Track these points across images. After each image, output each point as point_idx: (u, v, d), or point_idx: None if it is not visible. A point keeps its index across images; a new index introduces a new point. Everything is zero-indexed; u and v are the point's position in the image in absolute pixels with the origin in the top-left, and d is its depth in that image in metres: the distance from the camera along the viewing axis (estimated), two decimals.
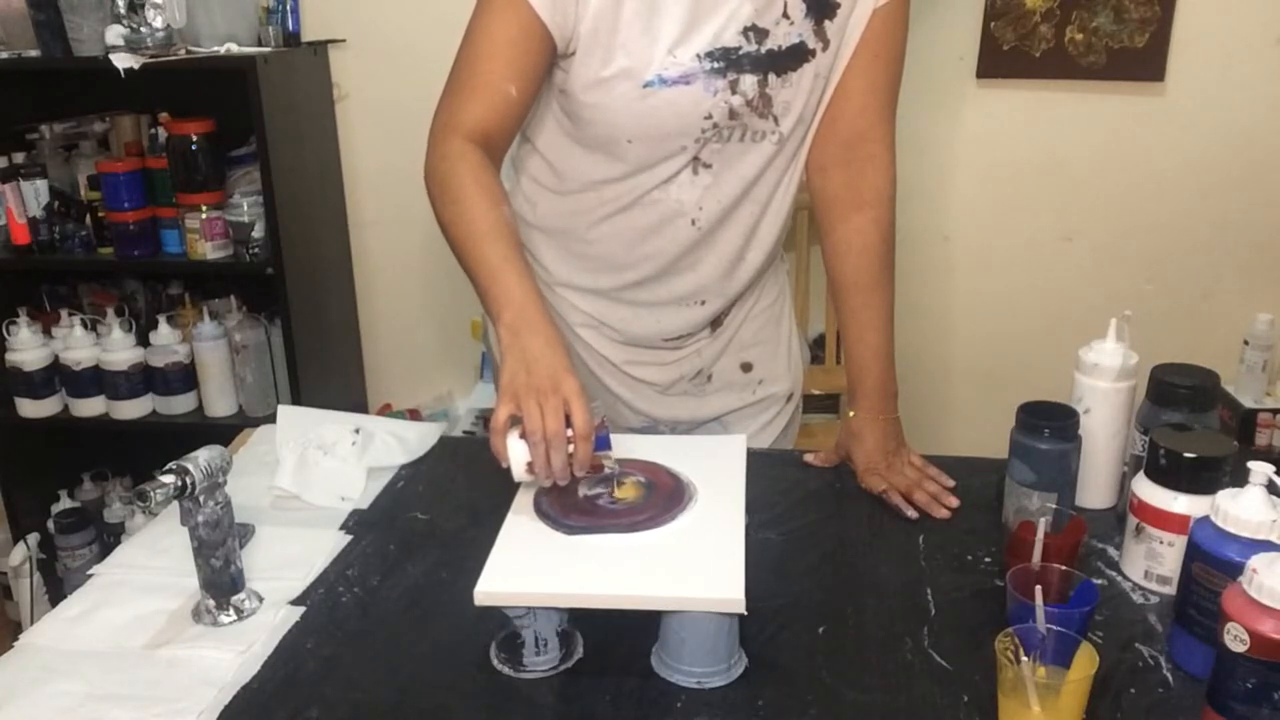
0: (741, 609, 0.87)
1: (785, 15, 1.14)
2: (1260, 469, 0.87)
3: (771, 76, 1.15)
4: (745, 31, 1.13)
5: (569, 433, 0.97)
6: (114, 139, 2.35)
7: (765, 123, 1.18)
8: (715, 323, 1.34)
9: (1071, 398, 1.14)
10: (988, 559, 1.08)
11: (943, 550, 1.10)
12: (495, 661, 0.93)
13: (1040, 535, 0.94)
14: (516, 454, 0.98)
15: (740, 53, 1.13)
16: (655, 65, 1.11)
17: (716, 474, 1.07)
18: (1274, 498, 0.87)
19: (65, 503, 2.47)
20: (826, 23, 1.16)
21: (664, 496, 1.03)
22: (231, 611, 0.99)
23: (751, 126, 1.18)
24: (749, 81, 1.14)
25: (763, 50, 1.14)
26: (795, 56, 1.16)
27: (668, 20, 1.10)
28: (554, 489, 1.02)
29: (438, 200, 1.12)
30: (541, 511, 1.01)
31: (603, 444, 1.01)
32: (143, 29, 2.06)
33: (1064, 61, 2.26)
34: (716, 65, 1.12)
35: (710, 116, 1.14)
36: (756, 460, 1.13)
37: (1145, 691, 0.88)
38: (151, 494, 0.92)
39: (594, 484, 1.04)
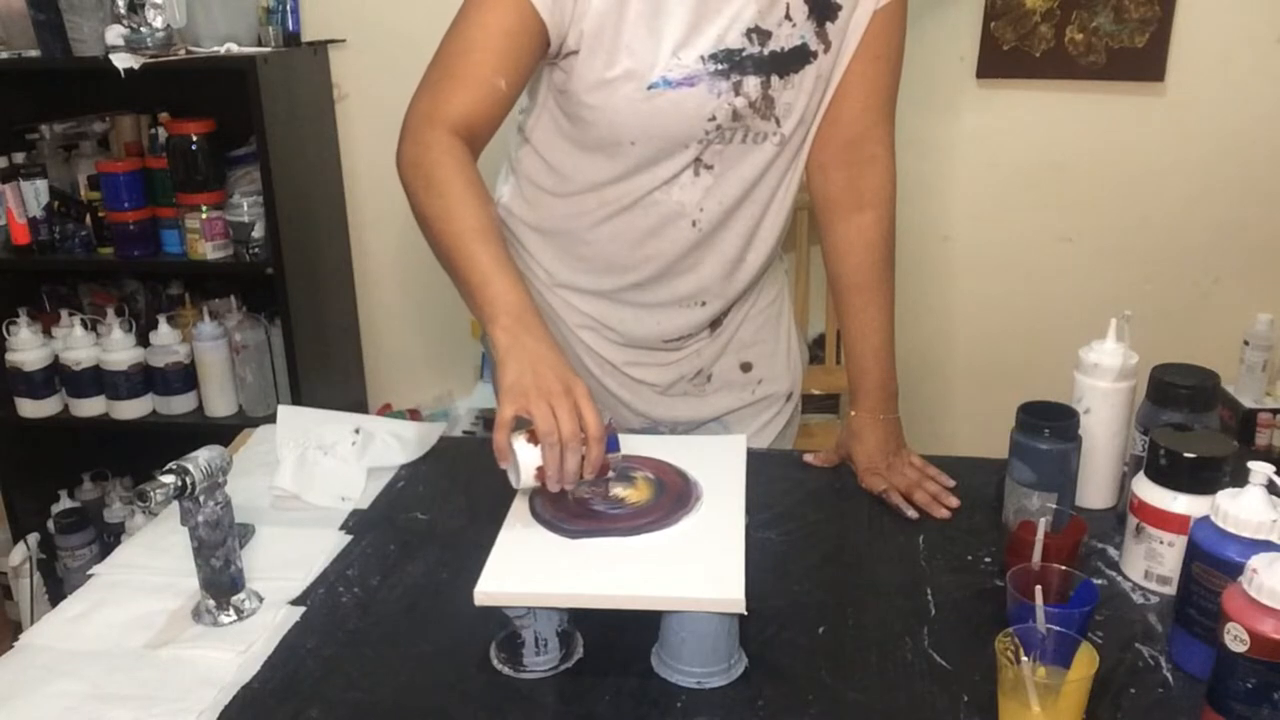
0: (741, 609, 0.87)
1: (788, 17, 1.14)
2: (1260, 469, 0.88)
3: (774, 78, 1.15)
4: (748, 33, 1.12)
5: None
6: (114, 139, 2.35)
7: (767, 124, 1.18)
8: (715, 323, 1.34)
9: (1071, 398, 1.14)
10: (988, 559, 1.08)
11: (943, 550, 1.10)
12: (495, 661, 0.93)
13: (1040, 535, 0.94)
14: (526, 458, 0.96)
15: (744, 54, 1.13)
16: (660, 67, 1.11)
17: (717, 474, 1.07)
18: (1274, 498, 0.87)
19: (65, 503, 2.47)
20: (828, 24, 1.16)
21: (672, 498, 1.02)
22: (231, 611, 0.99)
23: (754, 128, 1.18)
24: (752, 83, 1.14)
25: (765, 52, 1.14)
26: (797, 58, 1.16)
27: (672, 21, 1.10)
28: (549, 492, 1.02)
29: (420, 192, 1.09)
30: (539, 515, 1.00)
31: (612, 445, 1.00)
32: (143, 29, 2.06)
33: (1064, 61, 2.26)
34: (720, 67, 1.12)
35: (714, 118, 1.14)
36: (756, 460, 1.13)
37: (1145, 691, 0.88)
38: (151, 494, 0.92)
39: (585, 485, 1.04)
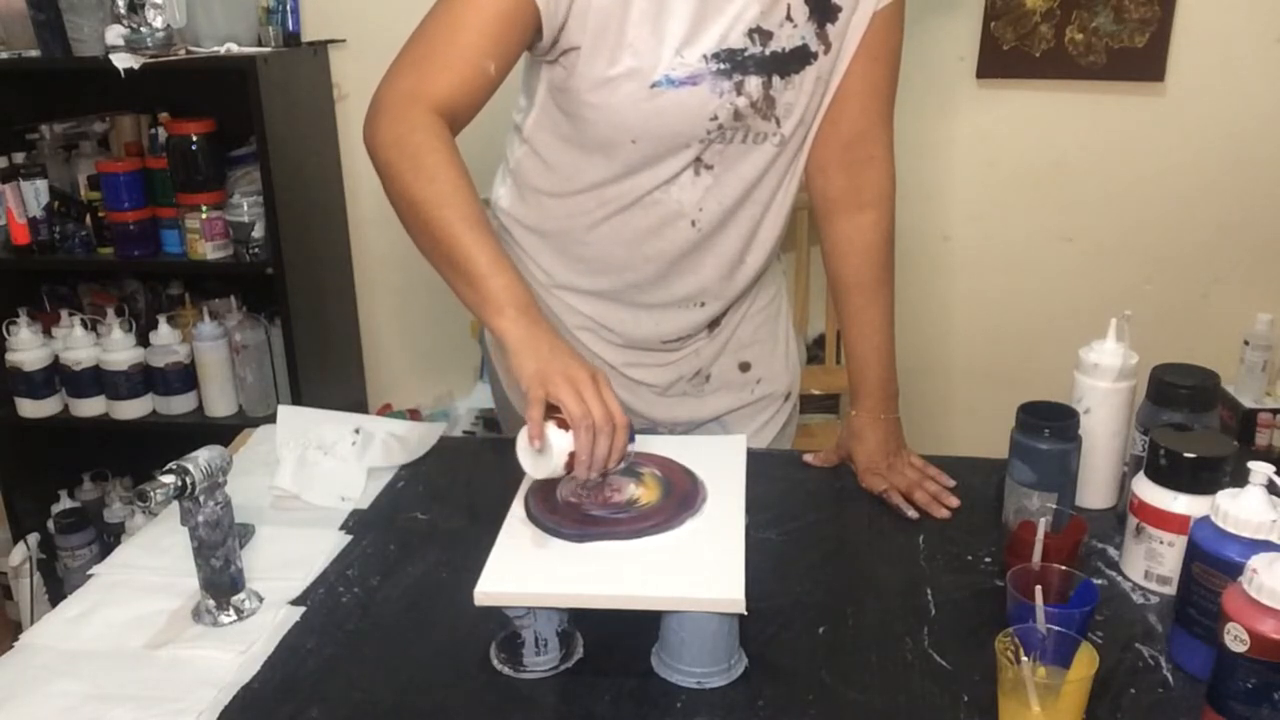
0: (741, 609, 0.87)
1: (789, 18, 1.14)
2: (1260, 469, 0.88)
3: (775, 78, 1.15)
4: (750, 33, 1.12)
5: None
6: (114, 139, 2.35)
7: (768, 124, 1.18)
8: (713, 323, 1.34)
9: (1071, 398, 1.14)
10: (988, 559, 1.08)
11: (943, 550, 1.10)
12: (495, 661, 0.93)
13: (1040, 535, 0.94)
14: (559, 444, 0.96)
15: (745, 54, 1.13)
16: (663, 66, 1.10)
17: (717, 474, 1.07)
18: (1274, 498, 0.87)
19: (65, 503, 2.47)
20: (829, 25, 1.16)
21: (678, 499, 1.02)
22: (231, 611, 0.99)
23: (754, 128, 1.18)
24: (754, 83, 1.14)
25: (767, 52, 1.14)
26: (798, 59, 1.16)
27: (675, 20, 1.10)
28: (542, 497, 1.02)
29: (406, 174, 1.05)
30: (539, 522, 0.99)
31: (630, 437, 1.01)
32: (143, 29, 2.06)
33: (1064, 61, 2.26)
34: (723, 66, 1.12)
35: (716, 118, 1.14)
36: (756, 460, 1.13)
37: (1145, 691, 0.88)
38: (151, 494, 0.92)
39: (588, 489, 1.04)
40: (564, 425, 0.96)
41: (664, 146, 1.16)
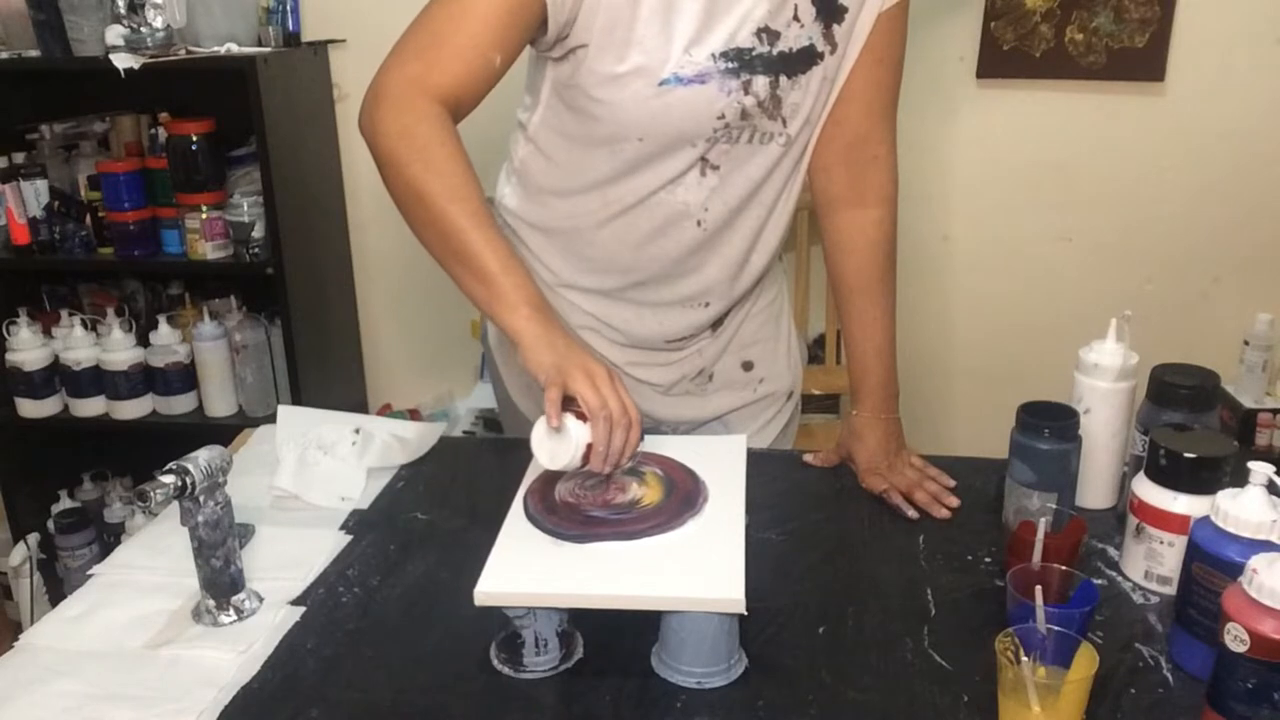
0: (741, 609, 0.87)
1: (796, 18, 1.14)
2: (1260, 469, 0.88)
3: (782, 78, 1.15)
4: (758, 33, 1.12)
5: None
6: (114, 139, 2.35)
7: (774, 124, 1.18)
8: (716, 323, 1.34)
9: (1071, 398, 1.14)
10: (988, 559, 1.08)
11: (943, 550, 1.10)
12: (495, 661, 0.93)
13: (1040, 535, 0.94)
14: (578, 435, 0.97)
15: (753, 54, 1.13)
16: (672, 63, 1.10)
17: (717, 474, 1.07)
18: (1274, 498, 0.87)
19: (65, 503, 2.47)
20: (835, 26, 1.16)
21: (679, 499, 1.02)
22: (231, 611, 0.99)
23: (761, 128, 1.18)
24: (761, 82, 1.14)
25: (774, 52, 1.14)
26: (805, 59, 1.16)
27: (684, 19, 1.10)
28: (541, 497, 1.02)
29: (414, 164, 1.04)
30: (540, 524, 0.99)
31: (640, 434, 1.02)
32: (143, 29, 2.06)
33: (1064, 61, 2.26)
34: (730, 65, 1.12)
35: (723, 116, 1.14)
36: (756, 460, 1.13)
37: (1145, 691, 0.88)
38: (151, 494, 0.92)
39: (589, 489, 1.04)
40: (580, 419, 0.98)
41: (669, 144, 1.16)
